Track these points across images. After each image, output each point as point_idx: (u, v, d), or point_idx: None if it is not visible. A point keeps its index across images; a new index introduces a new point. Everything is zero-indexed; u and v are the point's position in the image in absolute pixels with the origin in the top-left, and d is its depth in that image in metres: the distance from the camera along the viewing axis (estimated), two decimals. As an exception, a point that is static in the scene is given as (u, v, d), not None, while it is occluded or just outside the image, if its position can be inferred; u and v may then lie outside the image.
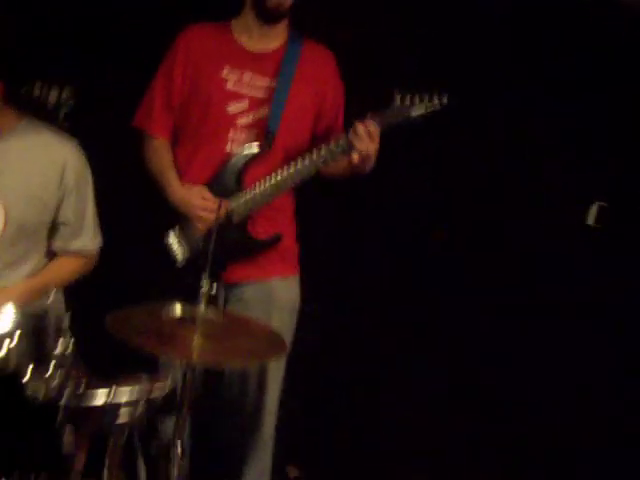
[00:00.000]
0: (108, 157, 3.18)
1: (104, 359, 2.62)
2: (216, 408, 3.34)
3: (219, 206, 2.74)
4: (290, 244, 3.29)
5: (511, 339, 3.74)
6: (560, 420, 3.69)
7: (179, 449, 2.58)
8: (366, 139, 3.00)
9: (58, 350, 2.39)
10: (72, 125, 3.39)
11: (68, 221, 2.96)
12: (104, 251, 3.11)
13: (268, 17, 3.11)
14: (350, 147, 3.02)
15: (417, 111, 3.05)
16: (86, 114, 3.46)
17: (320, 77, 3.22)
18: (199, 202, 3.10)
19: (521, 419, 3.74)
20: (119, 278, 3.32)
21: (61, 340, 2.40)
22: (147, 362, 2.62)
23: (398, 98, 3.05)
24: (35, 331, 2.74)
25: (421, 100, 3.05)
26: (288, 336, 3.21)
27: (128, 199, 3.37)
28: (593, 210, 3.76)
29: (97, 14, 3.48)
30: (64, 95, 3.45)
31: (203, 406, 3.20)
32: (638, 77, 3.62)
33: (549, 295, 3.73)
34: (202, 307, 2.48)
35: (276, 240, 3.18)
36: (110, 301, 2.60)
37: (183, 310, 2.53)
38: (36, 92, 3.38)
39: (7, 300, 2.63)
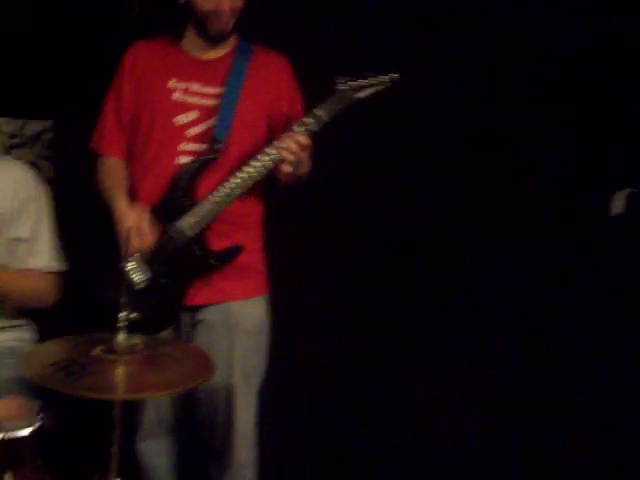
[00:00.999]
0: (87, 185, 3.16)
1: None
2: (193, 431, 3.26)
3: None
4: (252, 261, 3.12)
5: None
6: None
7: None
8: (295, 149, 2.86)
9: None
10: (52, 155, 3.50)
11: (22, 238, 2.91)
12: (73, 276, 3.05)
13: (212, 41, 3.04)
14: (279, 159, 2.89)
15: (364, 92, 2.92)
16: (66, 144, 3.49)
17: (272, 81, 3.09)
18: (129, 230, 2.93)
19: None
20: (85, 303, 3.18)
21: None
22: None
23: (342, 83, 2.91)
24: None
25: (365, 79, 2.92)
26: (255, 358, 3.12)
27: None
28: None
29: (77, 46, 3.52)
30: (42, 127, 3.54)
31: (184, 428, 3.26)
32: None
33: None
34: (121, 336, 2.38)
35: (234, 252, 3.03)
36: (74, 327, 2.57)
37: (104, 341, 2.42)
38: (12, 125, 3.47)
39: None
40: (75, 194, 3.20)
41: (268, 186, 3.03)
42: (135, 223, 2.93)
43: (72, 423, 2.81)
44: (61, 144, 3.47)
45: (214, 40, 3.03)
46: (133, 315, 2.43)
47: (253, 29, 3.12)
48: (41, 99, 3.51)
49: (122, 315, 2.39)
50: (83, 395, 2.19)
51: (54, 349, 2.46)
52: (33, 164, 3.44)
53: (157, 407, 3.16)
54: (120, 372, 2.31)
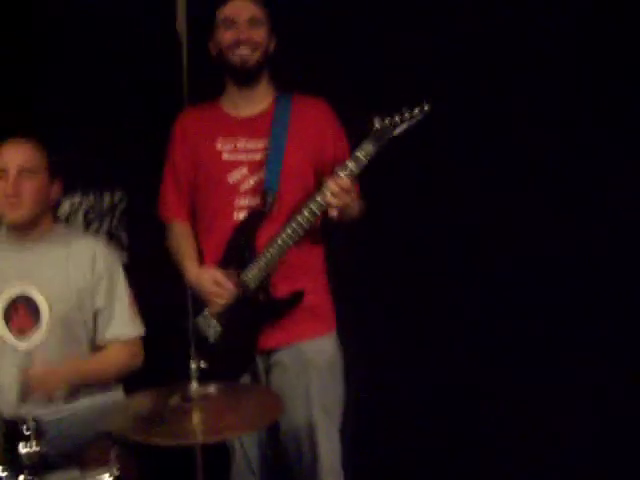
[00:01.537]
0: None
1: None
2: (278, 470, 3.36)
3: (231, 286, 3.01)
4: (318, 301, 3.23)
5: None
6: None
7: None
8: (340, 194, 2.96)
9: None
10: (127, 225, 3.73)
11: (102, 307, 3.09)
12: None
13: (239, 77, 3.15)
14: (325, 205, 3.00)
15: (399, 129, 3.00)
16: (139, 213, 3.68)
17: (315, 128, 3.20)
18: (210, 288, 3.09)
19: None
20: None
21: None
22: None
23: (378, 122, 2.99)
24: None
25: (402, 116, 3.00)
26: (332, 393, 3.22)
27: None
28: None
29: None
30: (116, 198, 3.77)
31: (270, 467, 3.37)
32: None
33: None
34: (195, 384, 2.52)
35: (298, 297, 3.12)
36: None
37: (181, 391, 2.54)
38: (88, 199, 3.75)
39: (56, 381, 2.95)
40: (150, 260, 3.39)
41: (325, 228, 3.15)
42: (214, 281, 3.07)
43: (158, 472, 2.87)
44: (134, 213, 3.69)
45: (244, 78, 3.14)
46: (205, 365, 2.55)
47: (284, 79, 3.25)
48: (113, 171, 3.73)
49: (195, 366, 2.52)
50: (164, 443, 2.31)
51: (136, 403, 2.64)
52: (110, 234, 3.72)
53: (245, 449, 3.28)
54: (196, 418, 2.41)
